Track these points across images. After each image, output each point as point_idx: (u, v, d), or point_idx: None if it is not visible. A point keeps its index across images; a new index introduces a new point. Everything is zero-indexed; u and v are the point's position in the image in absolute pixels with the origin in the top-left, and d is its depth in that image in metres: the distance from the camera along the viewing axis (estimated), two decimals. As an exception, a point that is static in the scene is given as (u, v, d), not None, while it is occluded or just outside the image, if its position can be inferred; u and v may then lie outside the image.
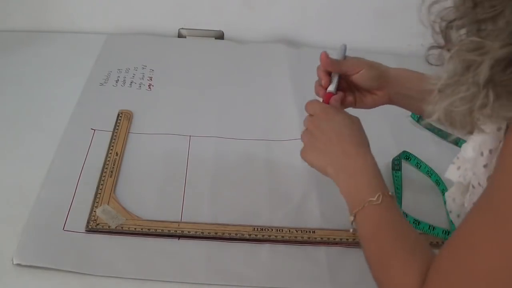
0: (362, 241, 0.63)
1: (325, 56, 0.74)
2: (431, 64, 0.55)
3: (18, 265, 0.70)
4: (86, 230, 0.75)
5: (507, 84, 0.45)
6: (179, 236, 0.76)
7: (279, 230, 0.78)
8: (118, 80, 1.07)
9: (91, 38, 1.19)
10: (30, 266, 0.70)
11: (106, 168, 0.86)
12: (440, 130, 0.99)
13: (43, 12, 1.20)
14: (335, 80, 0.75)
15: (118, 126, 0.94)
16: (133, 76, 1.09)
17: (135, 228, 0.77)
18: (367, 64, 0.76)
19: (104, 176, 0.84)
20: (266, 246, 0.77)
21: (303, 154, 0.71)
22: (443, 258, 0.51)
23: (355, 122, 0.70)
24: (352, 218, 0.63)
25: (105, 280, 0.70)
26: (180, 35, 1.25)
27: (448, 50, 0.50)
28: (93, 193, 0.81)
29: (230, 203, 0.82)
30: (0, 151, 0.87)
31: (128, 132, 0.94)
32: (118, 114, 0.97)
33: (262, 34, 1.26)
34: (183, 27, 1.25)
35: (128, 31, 1.24)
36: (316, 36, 1.26)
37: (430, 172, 0.90)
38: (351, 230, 0.66)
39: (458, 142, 0.98)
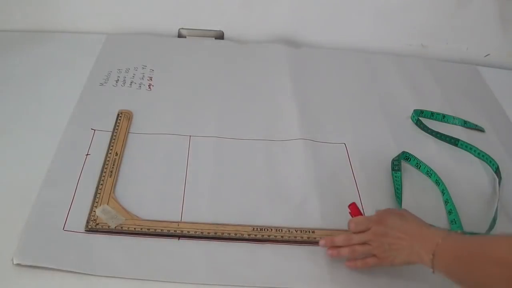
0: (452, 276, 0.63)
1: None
2: None
3: (18, 265, 0.70)
4: (85, 230, 0.75)
5: None
6: (179, 236, 0.77)
7: (279, 230, 0.79)
8: (118, 80, 1.07)
9: (91, 38, 1.18)
10: (30, 266, 0.70)
11: (106, 168, 0.86)
12: (438, 133, 0.99)
13: (43, 12, 1.20)
14: None
15: (118, 126, 0.94)
16: (133, 76, 1.09)
17: (134, 228, 0.77)
18: None
19: (104, 176, 0.84)
20: (266, 246, 0.77)
21: (387, 261, 0.70)
22: None
23: (404, 213, 0.72)
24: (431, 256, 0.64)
25: (105, 280, 0.70)
26: (180, 35, 1.25)
27: None
28: (93, 193, 0.81)
29: (230, 203, 0.83)
30: (0, 151, 0.87)
31: (128, 132, 0.94)
32: (118, 114, 0.97)
33: (262, 34, 1.26)
34: (183, 27, 1.25)
35: (128, 31, 1.23)
36: (316, 36, 1.26)
37: (430, 172, 0.90)
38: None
39: (457, 143, 0.98)
